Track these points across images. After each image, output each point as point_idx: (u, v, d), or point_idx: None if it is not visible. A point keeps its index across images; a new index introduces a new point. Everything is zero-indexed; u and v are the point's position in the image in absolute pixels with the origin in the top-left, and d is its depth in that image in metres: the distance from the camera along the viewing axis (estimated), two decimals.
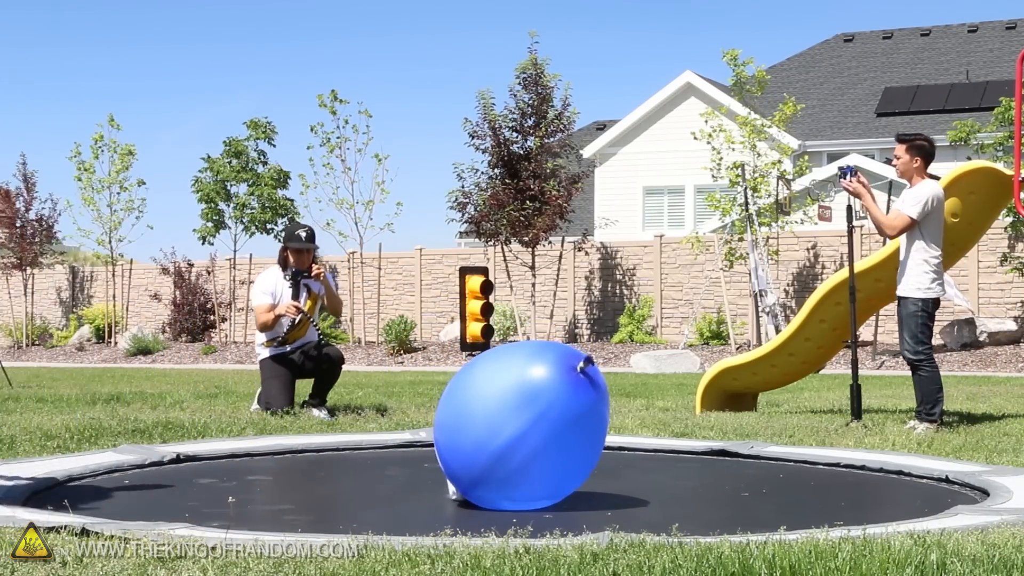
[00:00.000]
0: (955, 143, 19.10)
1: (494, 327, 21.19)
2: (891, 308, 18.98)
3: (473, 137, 21.17)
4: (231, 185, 24.14)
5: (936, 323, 19.34)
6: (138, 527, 4.00)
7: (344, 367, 8.86)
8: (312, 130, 23.15)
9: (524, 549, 3.60)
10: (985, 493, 5.01)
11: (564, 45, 58.67)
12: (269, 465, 6.31)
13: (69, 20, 66.90)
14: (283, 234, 8.79)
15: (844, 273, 8.07)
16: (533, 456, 4.61)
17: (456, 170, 21.47)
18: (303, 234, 8.59)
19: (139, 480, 5.81)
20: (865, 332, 18.66)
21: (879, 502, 5.20)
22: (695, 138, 20.31)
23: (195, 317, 24.97)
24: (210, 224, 24.25)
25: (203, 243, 24.59)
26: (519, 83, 21.14)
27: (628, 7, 63.28)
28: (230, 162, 24.03)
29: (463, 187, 21.50)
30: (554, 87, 21.17)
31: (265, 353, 8.70)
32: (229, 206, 24.23)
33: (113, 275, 26.05)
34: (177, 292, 25.25)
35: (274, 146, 24.85)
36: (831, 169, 22.92)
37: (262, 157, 24.44)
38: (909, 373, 7.94)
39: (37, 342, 26.38)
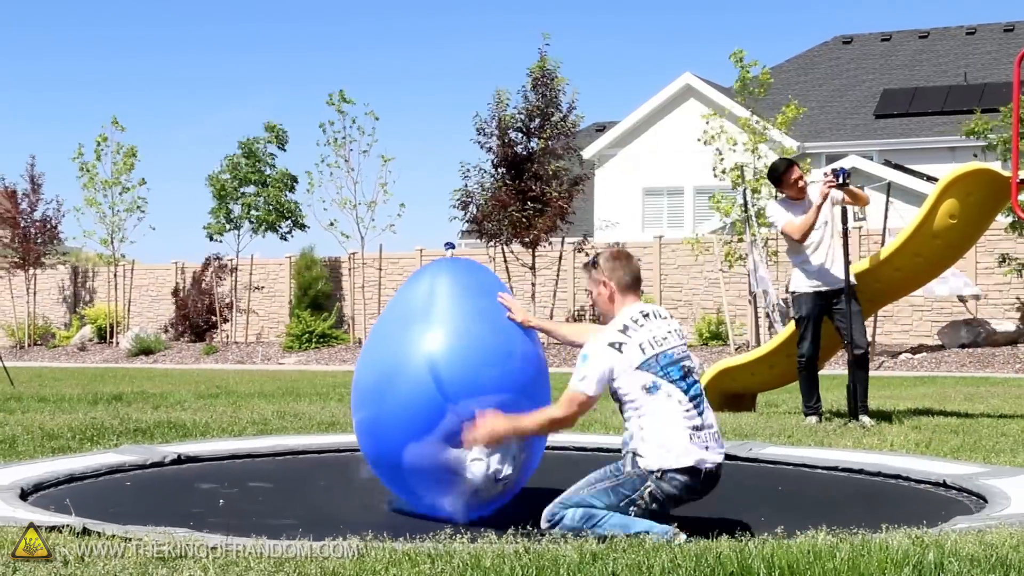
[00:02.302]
0: (969, 135, 19.06)
1: None
2: (890, 308, 18.99)
3: (479, 133, 21.18)
4: (243, 186, 24.29)
5: (935, 323, 19.48)
6: (139, 527, 4.02)
7: (345, 367, 8.88)
8: (321, 127, 23.26)
9: (524, 549, 3.62)
10: (983, 499, 5.01)
11: (564, 46, 58.71)
12: (270, 465, 6.33)
13: (78, 24, 66.89)
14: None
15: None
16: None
17: (462, 169, 21.52)
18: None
19: (141, 480, 5.83)
20: None
21: (876, 510, 5.19)
22: (701, 143, 20.29)
23: (198, 317, 25.01)
24: (221, 221, 24.36)
25: (211, 240, 24.71)
26: (530, 84, 21.15)
27: (628, 9, 63.27)
28: (249, 160, 24.18)
29: (467, 186, 21.53)
30: (561, 90, 21.19)
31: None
32: (238, 205, 24.32)
33: (115, 275, 26.07)
34: (190, 290, 25.28)
35: (284, 151, 25.09)
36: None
37: (272, 159, 24.60)
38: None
39: (39, 342, 26.40)
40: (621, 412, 4.35)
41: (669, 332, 4.35)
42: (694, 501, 4.27)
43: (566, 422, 4.41)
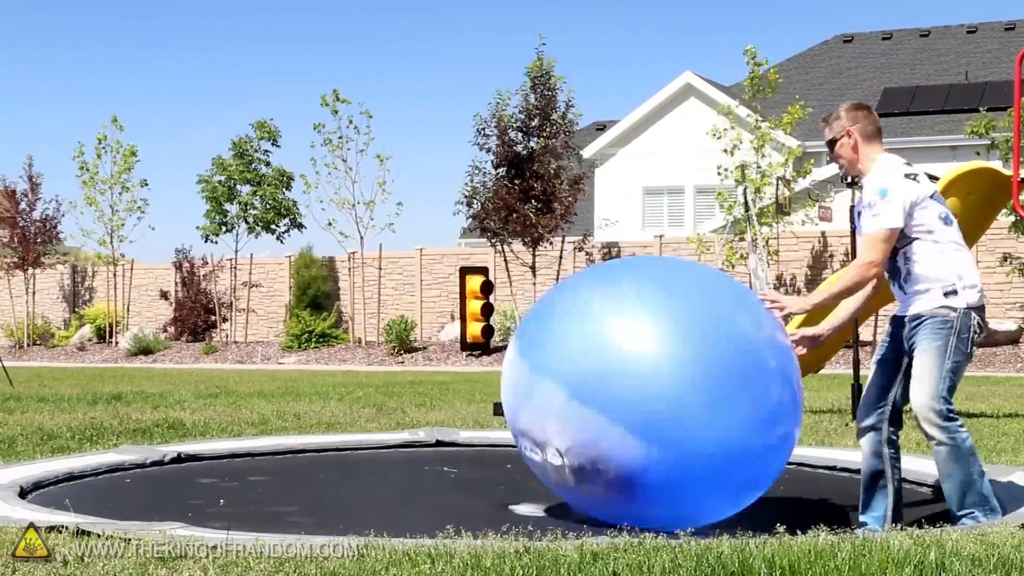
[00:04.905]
0: (972, 135, 19.03)
1: (494, 327, 21.20)
2: (890, 308, 18.99)
3: (480, 134, 21.22)
4: (237, 184, 24.21)
5: None
6: (139, 527, 4.01)
7: (344, 367, 8.90)
8: (315, 128, 23.19)
9: (524, 549, 3.61)
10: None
11: (564, 45, 58.69)
12: (269, 465, 6.32)
13: (75, 22, 66.88)
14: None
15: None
16: None
17: (469, 168, 21.56)
18: None
19: (140, 480, 5.82)
20: (865, 332, 18.66)
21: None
22: (714, 137, 20.26)
23: (197, 317, 24.99)
24: (214, 223, 24.31)
25: (206, 241, 24.65)
26: (529, 84, 21.20)
27: (628, 7, 63.24)
28: (241, 158, 24.11)
29: (472, 183, 21.57)
30: (559, 89, 21.24)
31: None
32: (234, 205, 24.28)
33: (114, 275, 26.06)
34: (183, 290, 25.27)
35: (279, 147, 24.95)
36: (831, 169, 22.91)
37: (266, 156, 24.53)
38: None
39: (38, 342, 26.38)
40: (898, 250, 4.38)
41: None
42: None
43: (872, 269, 4.36)
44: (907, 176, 4.32)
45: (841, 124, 4.50)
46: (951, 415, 4.28)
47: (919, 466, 5.79)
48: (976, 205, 8.06)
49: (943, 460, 4.31)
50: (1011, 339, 18.21)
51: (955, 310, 4.29)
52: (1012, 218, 16.82)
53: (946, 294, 4.32)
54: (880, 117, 19.93)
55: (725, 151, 19.70)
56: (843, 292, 4.50)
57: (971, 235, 8.49)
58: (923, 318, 4.35)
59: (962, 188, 7.98)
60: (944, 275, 4.33)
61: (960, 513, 4.35)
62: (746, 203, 19.07)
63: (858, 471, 5.80)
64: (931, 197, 4.36)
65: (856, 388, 7.99)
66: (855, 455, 6.21)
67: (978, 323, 4.34)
